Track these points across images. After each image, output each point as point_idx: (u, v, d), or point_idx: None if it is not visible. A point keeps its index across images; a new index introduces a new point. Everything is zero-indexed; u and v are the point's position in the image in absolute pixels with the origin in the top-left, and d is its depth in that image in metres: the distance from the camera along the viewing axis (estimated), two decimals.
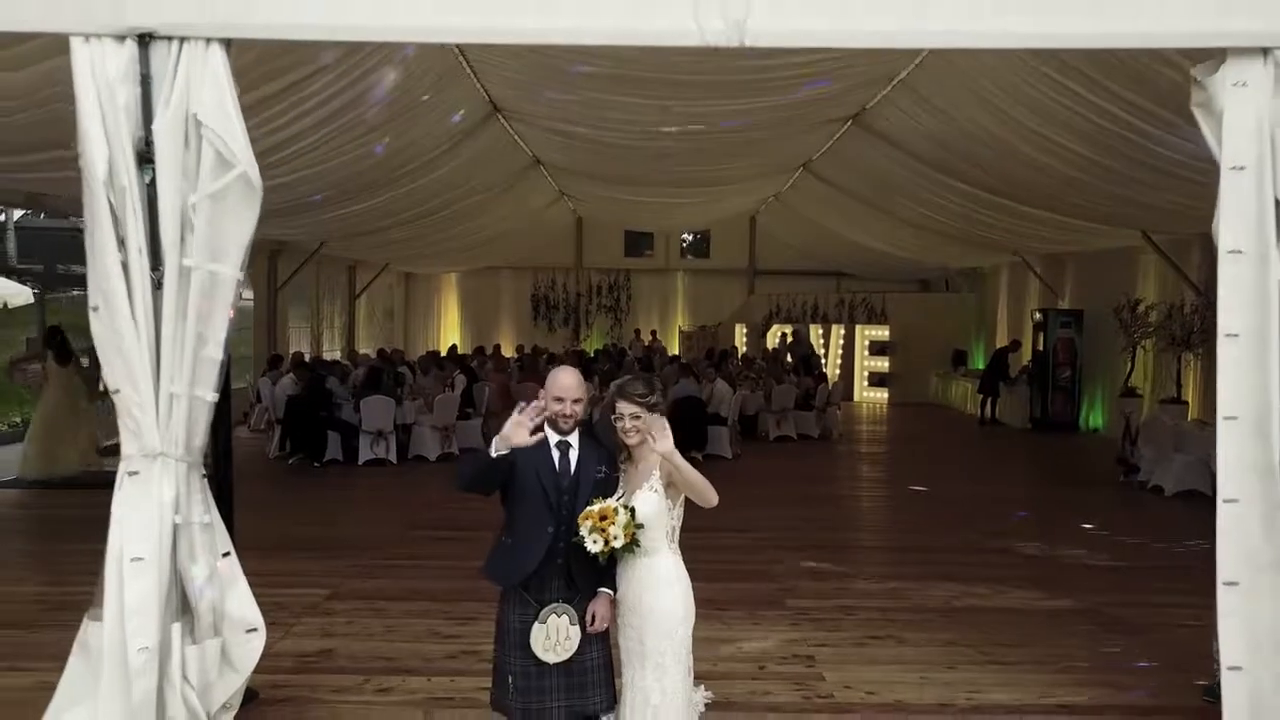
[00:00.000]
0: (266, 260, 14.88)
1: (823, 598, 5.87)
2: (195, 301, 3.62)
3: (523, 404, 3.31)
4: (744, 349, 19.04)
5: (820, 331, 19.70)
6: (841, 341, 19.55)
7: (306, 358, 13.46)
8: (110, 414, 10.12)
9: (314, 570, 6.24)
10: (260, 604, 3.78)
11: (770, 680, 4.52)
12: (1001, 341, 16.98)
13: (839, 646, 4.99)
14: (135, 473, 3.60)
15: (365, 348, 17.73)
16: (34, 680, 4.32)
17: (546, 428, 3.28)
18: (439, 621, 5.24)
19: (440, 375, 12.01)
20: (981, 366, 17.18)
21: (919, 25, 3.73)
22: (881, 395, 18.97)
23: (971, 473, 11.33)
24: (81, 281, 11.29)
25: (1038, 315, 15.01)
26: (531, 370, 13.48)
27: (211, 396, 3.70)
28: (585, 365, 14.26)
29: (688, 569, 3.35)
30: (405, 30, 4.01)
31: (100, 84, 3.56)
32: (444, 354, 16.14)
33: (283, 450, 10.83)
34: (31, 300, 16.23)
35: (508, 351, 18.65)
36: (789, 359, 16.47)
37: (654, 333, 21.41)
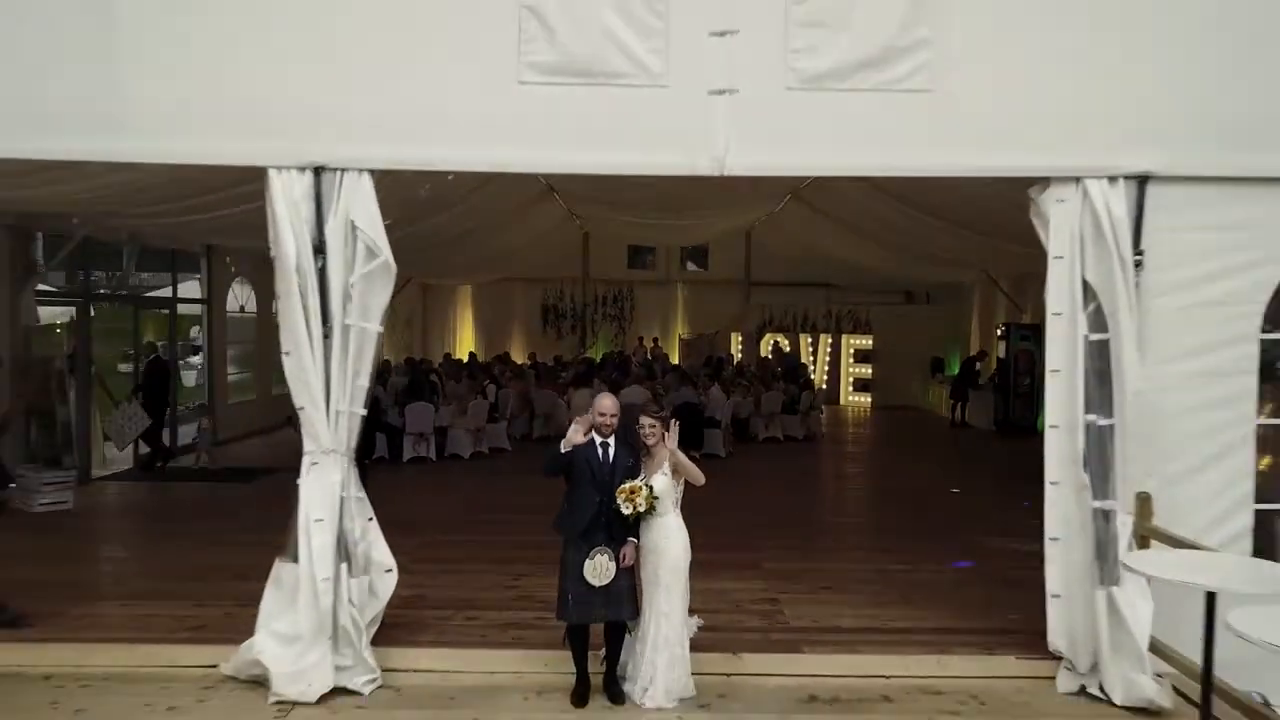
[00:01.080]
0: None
1: (789, 563, 7.65)
2: (352, 348, 5.42)
3: (577, 420, 5.14)
4: (739, 356, 20.87)
5: (809, 340, 21.52)
6: (829, 349, 21.38)
7: None
8: (127, 421, 11.79)
9: (390, 544, 8.00)
10: None
11: (745, 614, 6.32)
12: (974, 351, 18.80)
13: (797, 594, 6.78)
14: (316, 463, 5.40)
15: (388, 354, 19.51)
16: (220, 612, 6.12)
17: (594, 434, 5.08)
18: (499, 577, 7.02)
19: (472, 384, 13.79)
20: (956, 373, 19.00)
21: (833, 161, 5.60)
22: (865, 399, 20.80)
23: (933, 469, 13.12)
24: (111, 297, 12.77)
25: (1000, 329, 16.83)
26: (550, 380, 15.26)
27: (362, 412, 5.50)
28: (593, 371, 16.07)
29: (689, 537, 5.14)
30: (477, 162, 5.73)
31: (289, 202, 5.35)
32: (464, 361, 17.94)
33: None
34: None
35: (518, 358, 20.44)
36: (778, 369, 18.26)
37: (655, 340, 23.16)
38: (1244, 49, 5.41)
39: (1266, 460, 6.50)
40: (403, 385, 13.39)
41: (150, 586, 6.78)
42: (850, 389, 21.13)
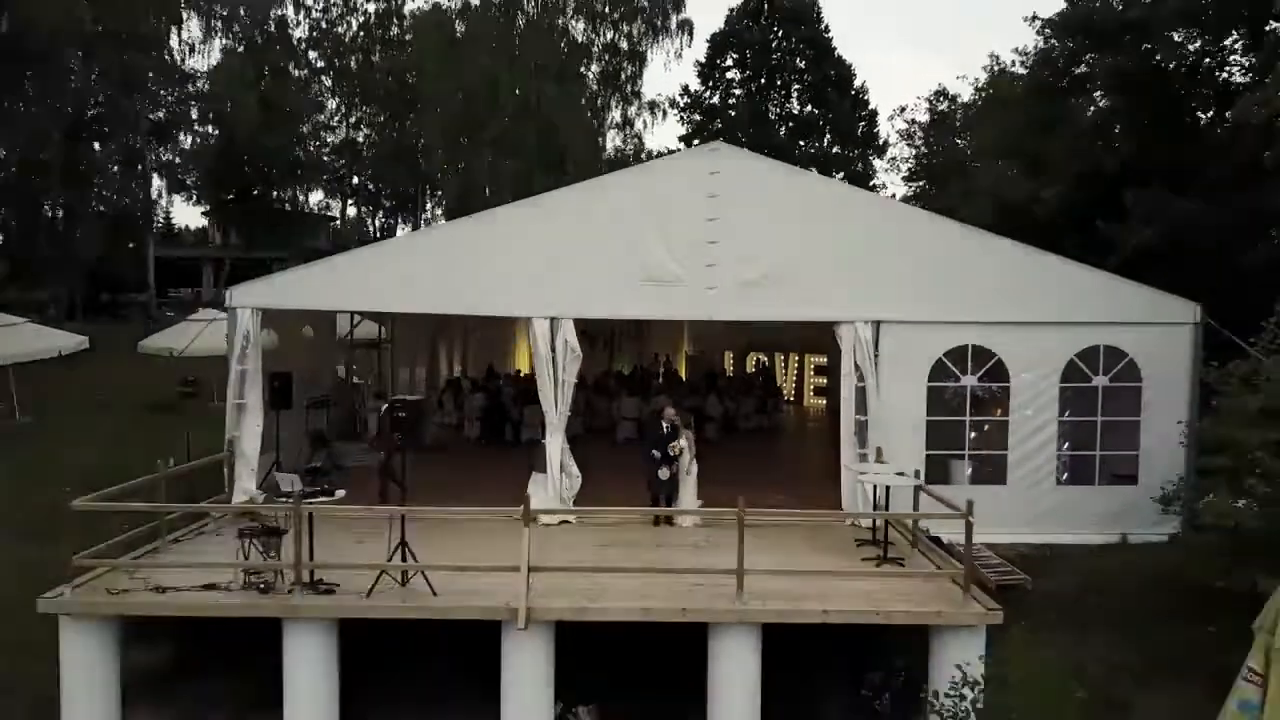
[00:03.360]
0: (432, 324, 25.43)
1: (744, 485, 16.20)
2: (567, 390, 14.08)
3: (662, 418, 13.86)
4: (731, 368, 29.51)
5: (782, 356, 30.21)
6: (796, 364, 30.07)
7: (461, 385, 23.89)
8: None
9: None
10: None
11: (721, 499, 14.94)
12: None
13: (746, 492, 15.37)
14: (552, 435, 14.06)
15: (472, 370, 28.11)
16: (495, 498, 14.74)
17: (662, 422, 13.78)
18: (612, 487, 15.53)
19: None
20: None
21: (754, 312, 14.32)
22: (821, 402, 29.47)
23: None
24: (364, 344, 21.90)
25: None
26: (604, 391, 23.89)
27: (568, 413, 14.15)
28: (624, 382, 24.65)
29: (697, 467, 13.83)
30: (614, 313, 14.39)
31: (541, 331, 14.02)
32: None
33: (480, 436, 21.25)
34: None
35: None
36: (758, 379, 26.94)
37: (667, 356, 31.65)
38: (915, 268, 14.08)
39: (983, 453, 15.11)
40: (514, 393, 21.99)
41: (458, 493, 15.37)
42: (811, 394, 29.81)
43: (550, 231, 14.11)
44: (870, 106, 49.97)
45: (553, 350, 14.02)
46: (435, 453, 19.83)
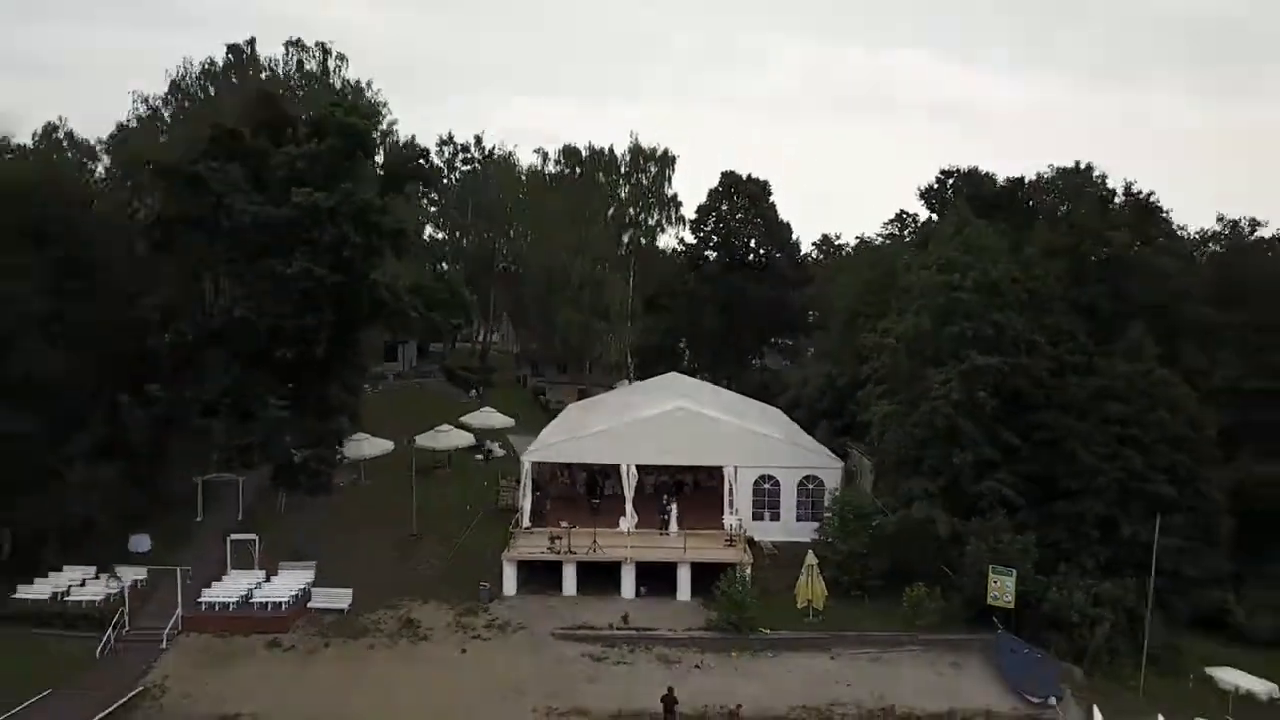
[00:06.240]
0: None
1: (696, 515, 45.26)
2: (633, 484, 43.37)
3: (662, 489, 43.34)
4: None
5: None
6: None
7: None
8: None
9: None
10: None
11: (689, 520, 44.13)
12: None
13: (696, 517, 44.46)
14: (628, 503, 43.39)
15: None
16: None
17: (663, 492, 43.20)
18: (644, 519, 44.67)
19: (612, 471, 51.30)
20: None
21: (702, 461, 43.71)
22: None
23: None
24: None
25: None
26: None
27: (632, 493, 43.45)
28: (645, 468, 53.71)
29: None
30: (654, 460, 43.53)
31: (624, 467, 43.30)
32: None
33: (586, 494, 50.15)
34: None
35: None
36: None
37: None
38: (744, 445, 43.37)
39: (772, 509, 44.54)
40: (599, 468, 51.06)
41: (587, 521, 44.48)
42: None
43: (627, 433, 43.40)
44: (802, 253, 79.03)
45: (628, 473, 43.18)
46: (567, 501, 48.97)
